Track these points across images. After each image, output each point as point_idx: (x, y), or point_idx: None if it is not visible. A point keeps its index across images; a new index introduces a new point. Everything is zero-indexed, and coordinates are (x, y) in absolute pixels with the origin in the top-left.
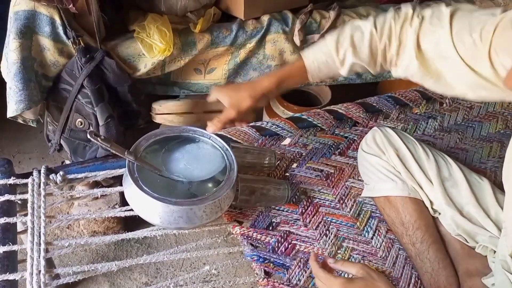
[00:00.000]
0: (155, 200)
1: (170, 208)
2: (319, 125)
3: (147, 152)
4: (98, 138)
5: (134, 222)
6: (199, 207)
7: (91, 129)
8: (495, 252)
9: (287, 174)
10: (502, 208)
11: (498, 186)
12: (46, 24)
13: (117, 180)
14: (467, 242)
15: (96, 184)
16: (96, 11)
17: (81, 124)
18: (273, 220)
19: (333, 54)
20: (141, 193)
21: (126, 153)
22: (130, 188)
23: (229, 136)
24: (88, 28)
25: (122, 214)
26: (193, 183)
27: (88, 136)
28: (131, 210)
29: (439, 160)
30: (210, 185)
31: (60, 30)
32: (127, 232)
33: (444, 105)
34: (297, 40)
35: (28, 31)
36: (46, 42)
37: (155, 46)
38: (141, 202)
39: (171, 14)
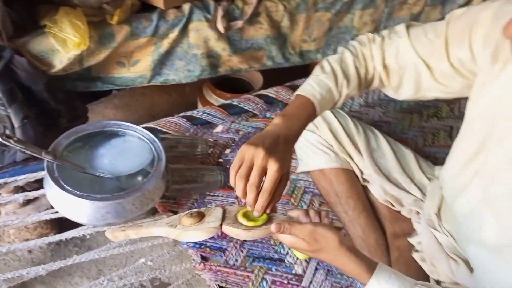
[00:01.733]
0: (79, 198)
1: (96, 205)
2: (250, 110)
3: (69, 150)
4: (11, 140)
5: (71, 226)
6: (127, 200)
7: (7, 132)
8: (418, 213)
9: (221, 160)
10: (424, 173)
11: (418, 154)
12: None
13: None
14: (394, 206)
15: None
16: (0, 6)
17: None
18: (208, 207)
19: (334, 90)
20: (63, 193)
21: (43, 153)
22: (51, 189)
23: (159, 128)
24: None
25: (48, 217)
26: (121, 177)
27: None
28: (57, 212)
29: (367, 133)
30: (140, 178)
31: None
32: None
33: None
34: (220, 27)
35: None
36: None
37: (69, 40)
38: (65, 202)
39: (85, 7)
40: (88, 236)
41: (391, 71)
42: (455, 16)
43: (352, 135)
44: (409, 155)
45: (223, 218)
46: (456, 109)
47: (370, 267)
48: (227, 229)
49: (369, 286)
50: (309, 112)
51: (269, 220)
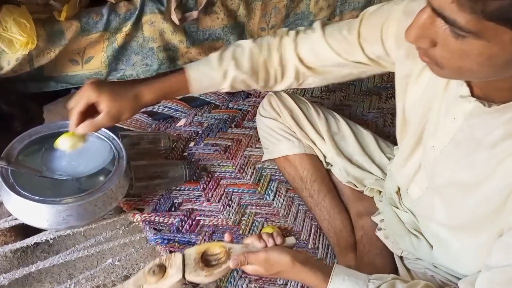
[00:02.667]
0: (37, 203)
1: (56, 209)
2: (212, 101)
3: (25, 154)
4: None
5: (37, 232)
6: (88, 202)
7: None
8: (380, 192)
9: (185, 154)
10: (384, 153)
11: (378, 134)
12: None
13: None
14: (356, 187)
15: None
16: None
17: None
18: (175, 201)
19: (216, 66)
20: (20, 199)
21: None
22: (8, 196)
23: (119, 125)
24: None
25: (7, 225)
26: (81, 178)
27: None
28: (17, 219)
29: (328, 117)
30: (101, 178)
31: None
32: None
33: None
34: (175, 19)
35: None
36: None
37: (16, 40)
38: (23, 208)
39: (30, 4)
40: (51, 241)
41: (308, 63)
42: (368, 13)
43: (314, 120)
44: (368, 137)
45: (184, 266)
46: None
47: (327, 275)
48: (191, 278)
49: None
50: (175, 85)
51: (228, 256)
